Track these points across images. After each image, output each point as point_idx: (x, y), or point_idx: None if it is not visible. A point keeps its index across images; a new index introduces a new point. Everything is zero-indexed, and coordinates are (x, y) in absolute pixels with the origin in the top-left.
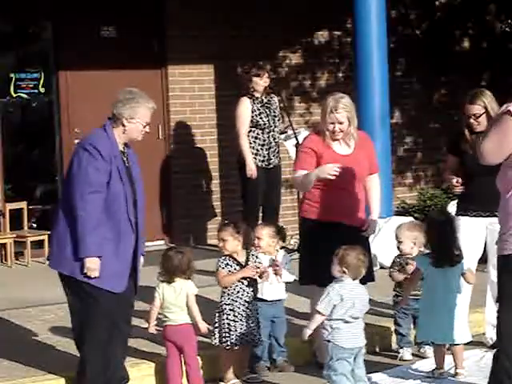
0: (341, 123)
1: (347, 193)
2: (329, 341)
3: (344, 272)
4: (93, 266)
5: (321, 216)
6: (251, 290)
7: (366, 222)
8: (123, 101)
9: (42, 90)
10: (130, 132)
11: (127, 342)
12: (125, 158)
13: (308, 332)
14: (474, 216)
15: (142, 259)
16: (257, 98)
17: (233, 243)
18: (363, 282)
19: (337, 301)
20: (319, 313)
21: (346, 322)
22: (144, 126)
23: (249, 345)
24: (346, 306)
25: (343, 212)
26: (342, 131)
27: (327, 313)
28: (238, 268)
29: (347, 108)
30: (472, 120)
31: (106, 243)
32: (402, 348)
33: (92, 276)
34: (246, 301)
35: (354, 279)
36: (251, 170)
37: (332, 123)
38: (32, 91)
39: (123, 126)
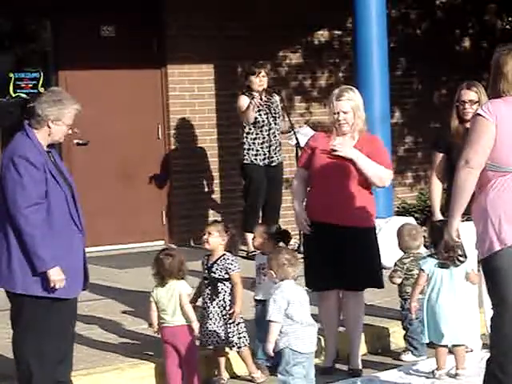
0: (345, 112)
1: (337, 193)
2: (285, 347)
3: (273, 275)
4: (57, 276)
5: (311, 216)
6: (209, 290)
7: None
8: (49, 102)
9: (42, 89)
10: (54, 134)
11: (73, 342)
12: (52, 159)
13: (270, 346)
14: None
15: None
16: (254, 96)
17: (216, 239)
18: (371, 286)
19: (285, 304)
20: (274, 322)
21: (304, 326)
22: (68, 128)
23: (218, 345)
24: (294, 309)
25: (332, 212)
26: (347, 122)
27: (281, 320)
28: (205, 271)
29: (352, 97)
30: (467, 106)
31: (57, 251)
32: (408, 352)
33: (61, 286)
34: (205, 301)
35: (281, 280)
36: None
37: (337, 113)
38: (31, 91)
39: (49, 127)
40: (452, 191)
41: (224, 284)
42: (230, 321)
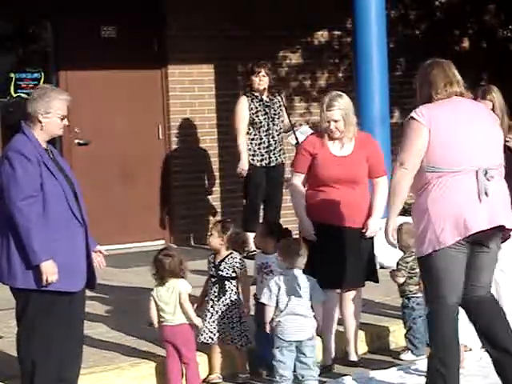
0: (336, 121)
1: (341, 195)
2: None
3: (282, 260)
4: (50, 269)
5: (313, 217)
6: (216, 288)
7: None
8: (36, 98)
9: None
10: (48, 128)
11: (83, 342)
12: (51, 156)
13: (267, 326)
14: None
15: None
16: (256, 96)
17: (216, 240)
18: (365, 280)
19: (276, 290)
20: (265, 305)
21: (288, 314)
22: (61, 120)
23: (222, 343)
24: (284, 296)
25: (334, 214)
26: (338, 130)
27: (273, 303)
28: (212, 269)
29: (342, 106)
30: None
31: (55, 245)
32: (408, 350)
33: (54, 280)
34: (211, 299)
35: (290, 268)
36: (242, 167)
37: (328, 121)
38: (32, 91)
39: (40, 122)
40: (388, 192)
41: (231, 283)
42: (236, 319)
